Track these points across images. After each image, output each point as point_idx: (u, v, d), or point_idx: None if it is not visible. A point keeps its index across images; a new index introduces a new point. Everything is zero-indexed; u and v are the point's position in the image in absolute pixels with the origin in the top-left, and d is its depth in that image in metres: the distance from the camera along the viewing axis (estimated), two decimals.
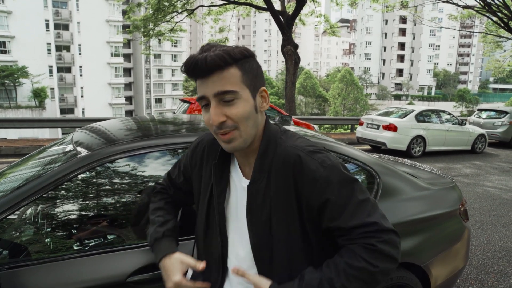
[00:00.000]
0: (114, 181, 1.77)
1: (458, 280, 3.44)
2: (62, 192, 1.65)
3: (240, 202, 1.07)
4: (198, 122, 2.37)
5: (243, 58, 0.95)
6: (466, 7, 17.52)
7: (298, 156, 0.98)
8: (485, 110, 14.90)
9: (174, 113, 5.31)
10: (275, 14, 13.75)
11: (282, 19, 13.81)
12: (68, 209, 1.69)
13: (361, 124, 11.29)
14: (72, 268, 1.51)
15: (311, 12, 17.43)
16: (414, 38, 78.59)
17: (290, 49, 13.65)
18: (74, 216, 1.70)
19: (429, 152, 10.63)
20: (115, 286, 1.52)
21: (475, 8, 17.00)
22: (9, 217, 1.50)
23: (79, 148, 1.83)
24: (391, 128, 10.13)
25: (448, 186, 2.65)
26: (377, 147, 10.76)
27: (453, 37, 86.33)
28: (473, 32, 24.56)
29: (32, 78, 34.00)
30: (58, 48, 43.77)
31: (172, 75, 60.85)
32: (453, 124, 11.14)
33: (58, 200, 1.66)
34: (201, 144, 1.19)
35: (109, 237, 1.71)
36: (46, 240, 1.62)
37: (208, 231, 1.14)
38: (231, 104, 0.94)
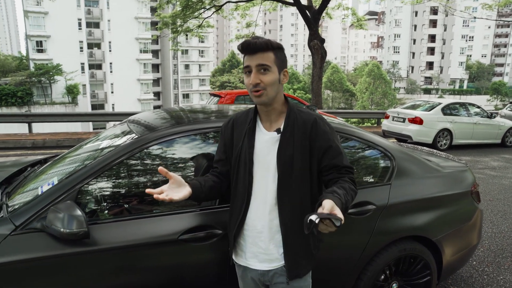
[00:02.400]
0: (168, 157, 2.12)
1: (474, 262, 3.63)
2: (126, 167, 2.01)
3: (267, 150, 1.55)
4: (227, 111, 2.68)
5: (277, 48, 1.50)
6: None
7: (315, 119, 1.56)
8: None
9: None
10: (301, 8, 13.89)
11: (308, 14, 13.93)
12: (133, 180, 2.06)
13: (387, 117, 11.34)
14: (137, 226, 1.88)
15: (338, 6, 17.38)
16: (445, 30, 76.14)
17: (316, 44, 13.76)
18: (138, 185, 2.06)
19: (456, 145, 10.58)
20: (169, 242, 1.87)
21: None
22: (92, 183, 1.88)
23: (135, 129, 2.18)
24: (417, 121, 10.14)
25: (461, 170, 2.86)
26: (403, 141, 10.79)
27: (489, 27, 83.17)
28: (511, 21, 23.56)
29: (66, 75, 35.42)
30: (90, 46, 45.24)
31: (199, 70, 61.68)
32: (482, 117, 11.02)
33: (123, 173, 2.02)
34: (230, 121, 1.71)
35: (164, 203, 2.06)
36: (119, 203, 1.99)
37: (238, 176, 1.61)
38: (265, 73, 1.46)
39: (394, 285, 2.43)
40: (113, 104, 47.16)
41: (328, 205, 1.26)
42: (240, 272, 1.70)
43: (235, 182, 1.63)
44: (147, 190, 1.44)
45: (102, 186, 1.98)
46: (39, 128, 12.22)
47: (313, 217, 1.22)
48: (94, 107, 44.95)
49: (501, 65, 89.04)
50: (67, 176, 1.93)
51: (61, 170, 2.23)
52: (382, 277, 2.38)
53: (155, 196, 1.42)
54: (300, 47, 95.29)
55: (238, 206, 1.61)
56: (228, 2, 16.30)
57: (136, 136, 2.08)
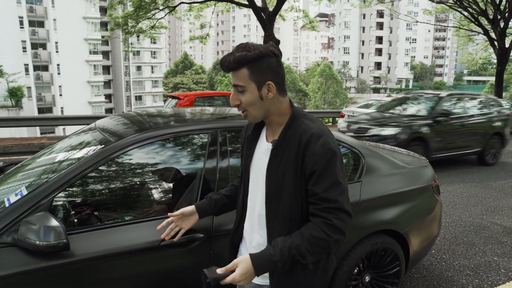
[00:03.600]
0: (143, 163, 2.08)
1: (433, 250, 3.87)
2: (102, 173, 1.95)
3: (261, 161, 1.44)
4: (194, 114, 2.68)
5: (252, 61, 1.30)
6: (440, 2, 18.22)
7: (312, 135, 1.33)
8: None
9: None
10: (256, 10, 14.00)
11: (263, 16, 14.07)
12: (110, 187, 1.99)
13: (342, 116, 11.73)
14: (119, 234, 1.82)
15: (291, 8, 17.74)
16: (391, 32, 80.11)
17: (272, 45, 13.92)
18: (115, 192, 2.00)
19: None
20: (151, 249, 1.84)
21: (448, 3, 17.70)
22: (71, 188, 1.80)
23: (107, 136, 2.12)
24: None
25: (422, 165, 3.04)
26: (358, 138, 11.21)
27: (429, 31, 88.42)
28: (447, 26, 25.32)
29: (8, 77, 33.20)
30: (34, 46, 42.71)
31: (152, 72, 60.32)
32: None
33: (98, 181, 1.95)
34: (244, 128, 1.64)
35: (146, 209, 2.03)
36: (96, 212, 1.92)
37: (241, 184, 1.57)
38: (242, 93, 1.34)
39: (366, 277, 2.53)
40: (62, 107, 44.90)
41: (230, 266, 1.29)
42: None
43: (240, 187, 1.60)
44: (170, 215, 1.69)
45: (77, 194, 1.91)
46: None
47: (207, 273, 1.27)
48: (41, 110, 42.51)
49: (441, 66, 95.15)
50: (38, 185, 1.83)
51: (28, 179, 2.12)
52: (356, 270, 2.48)
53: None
54: None
55: (237, 216, 1.59)
56: (182, 3, 16.10)
57: (110, 142, 2.02)
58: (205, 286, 1.27)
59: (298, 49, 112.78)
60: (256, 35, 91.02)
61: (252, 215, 1.50)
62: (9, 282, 1.61)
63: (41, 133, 30.20)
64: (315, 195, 1.33)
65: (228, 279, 1.27)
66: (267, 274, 1.41)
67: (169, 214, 1.69)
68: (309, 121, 1.39)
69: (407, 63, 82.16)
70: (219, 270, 1.29)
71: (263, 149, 1.45)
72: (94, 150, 1.99)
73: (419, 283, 3.24)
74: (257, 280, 1.45)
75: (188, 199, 2.08)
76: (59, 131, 34.67)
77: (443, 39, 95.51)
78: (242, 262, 1.30)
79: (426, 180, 2.93)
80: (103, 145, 2.01)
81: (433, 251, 3.88)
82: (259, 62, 1.32)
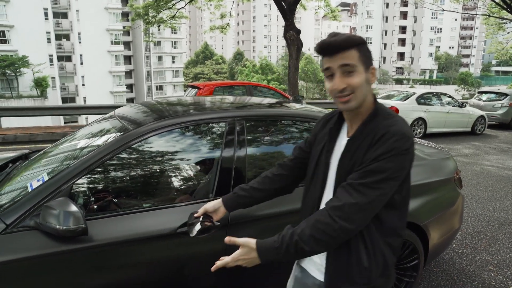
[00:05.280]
0: (163, 151, 2.10)
1: (454, 244, 3.79)
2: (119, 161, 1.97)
3: (338, 157, 1.35)
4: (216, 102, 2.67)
5: (360, 44, 1.26)
6: None
7: (387, 131, 1.22)
8: (486, 92, 15.10)
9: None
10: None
11: (284, 5, 13.90)
12: (128, 174, 2.02)
13: None
14: (136, 220, 1.86)
15: None
16: (415, 21, 77.96)
17: (292, 35, 13.77)
18: (133, 179, 2.03)
19: (430, 133, 10.92)
20: (168, 236, 1.86)
21: None
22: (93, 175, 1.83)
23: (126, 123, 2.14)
24: (393, 110, 10.38)
25: (444, 157, 2.96)
26: None
27: (455, 20, 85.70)
28: (476, 14, 24.46)
29: (33, 67, 34.03)
30: (58, 37, 43.59)
31: (173, 62, 60.73)
32: (453, 106, 11.40)
33: (117, 168, 1.99)
34: (320, 120, 1.55)
35: (163, 196, 2.05)
36: (114, 198, 1.96)
37: (313, 179, 1.45)
38: (350, 75, 1.24)
39: None
40: (84, 97, 45.84)
41: (237, 240, 1.31)
42: (297, 272, 1.54)
43: (308, 184, 1.49)
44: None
45: (96, 181, 1.94)
46: (7, 123, 11.71)
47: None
48: (64, 100, 43.52)
49: (467, 56, 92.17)
50: (59, 171, 1.87)
51: (49, 166, 2.17)
52: None
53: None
54: (274, 38, 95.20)
55: (309, 210, 1.43)
56: None
57: (128, 130, 2.04)
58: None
59: (319, 39, 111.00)
60: (277, 25, 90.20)
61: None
62: (32, 263, 1.66)
63: (65, 122, 30.97)
64: (347, 180, 1.25)
65: (227, 259, 1.29)
66: (324, 269, 1.35)
67: (194, 215, 1.65)
68: (391, 120, 1.27)
69: (431, 54, 79.93)
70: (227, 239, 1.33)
71: (342, 144, 1.36)
72: (113, 138, 2.01)
73: (438, 277, 3.18)
74: (322, 276, 1.38)
75: (205, 188, 2.09)
76: (82, 120, 35.45)
77: (471, 28, 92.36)
78: (246, 244, 1.29)
79: (447, 172, 2.85)
80: (122, 133, 2.03)
81: (454, 245, 3.80)
82: (364, 46, 1.29)
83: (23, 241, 1.67)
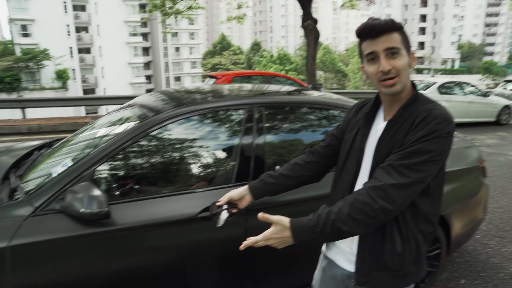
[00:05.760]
0: (183, 137, 2.12)
1: (477, 235, 3.71)
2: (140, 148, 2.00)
3: (374, 141, 1.34)
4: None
5: (400, 28, 1.26)
6: None
7: (429, 114, 1.21)
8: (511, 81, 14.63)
9: None
10: None
11: None
12: (149, 160, 2.06)
13: None
14: (156, 205, 1.89)
15: None
16: (436, 9, 75.79)
17: (310, 24, 13.58)
18: (154, 165, 2.08)
19: None
20: (189, 220, 1.89)
21: None
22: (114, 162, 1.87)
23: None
24: None
25: (466, 146, 2.89)
26: None
27: (480, 7, 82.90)
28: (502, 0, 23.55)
29: (54, 60, 34.74)
30: (77, 30, 44.22)
31: (190, 53, 60.92)
32: (476, 95, 11.09)
33: (138, 154, 2.02)
34: (353, 107, 1.54)
35: (183, 182, 2.09)
36: (136, 183, 2.00)
37: (345, 164, 1.43)
38: (395, 57, 1.24)
39: None
40: (104, 89, 46.47)
41: (270, 218, 1.28)
42: (324, 264, 1.52)
43: (340, 169, 1.47)
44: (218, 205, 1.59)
45: (117, 167, 1.97)
46: (31, 113, 12.02)
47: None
48: (85, 91, 44.28)
49: (492, 44, 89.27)
50: (81, 158, 1.91)
51: (72, 153, 2.21)
52: None
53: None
54: (291, 29, 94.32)
55: (340, 195, 1.40)
56: None
57: (147, 117, 2.06)
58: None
59: (338, 29, 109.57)
60: (294, 15, 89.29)
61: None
62: (57, 245, 1.71)
63: (86, 113, 31.53)
64: (386, 161, 1.23)
65: (258, 237, 1.26)
66: (354, 258, 1.34)
67: (217, 204, 1.61)
68: (432, 105, 1.27)
69: (453, 42, 77.71)
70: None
71: (378, 129, 1.34)
72: (132, 125, 2.03)
73: (461, 268, 3.13)
74: (351, 267, 1.37)
75: (224, 174, 2.09)
76: (102, 111, 36.07)
77: (496, 15, 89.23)
78: (280, 222, 1.25)
79: (470, 161, 2.78)
80: (141, 120, 2.05)
81: (478, 236, 3.72)
82: (404, 31, 1.29)
83: (49, 223, 1.72)
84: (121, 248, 1.81)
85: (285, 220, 1.25)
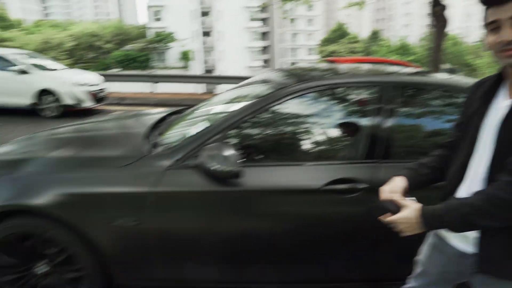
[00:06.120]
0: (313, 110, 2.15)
1: None
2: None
3: (496, 120, 1.23)
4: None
5: None
6: None
7: None
8: None
9: None
10: None
11: None
12: (279, 128, 2.14)
13: None
14: (281, 172, 1.95)
15: None
16: None
17: (438, 10, 12.41)
18: (284, 133, 2.15)
19: None
20: (312, 191, 1.90)
21: None
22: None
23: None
24: None
25: None
26: None
27: None
28: None
29: (179, 42, 38.15)
30: (201, 14, 47.41)
31: (307, 39, 60.77)
32: None
33: (271, 121, 2.10)
34: (471, 87, 1.45)
35: (309, 154, 2.12)
36: (266, 149, 2.11)
37: (462, 143, 1.36)
38: None
39: None
40: (222, 71, 49.14)
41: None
42: (434, 240, 1.47)
43: (457, 149, 1.40)
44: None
45: (250, 131, 2.07)
46: (157, 88, 13.29)
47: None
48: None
49: None
50: (215, 121, 2.03)
51: (207, 116, 2.39)
52: None
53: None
54: (414, 17, 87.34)
55: (451, 176, 1.36)
56: None
57: (280, 87, 2.09)
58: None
59: (469, 17, 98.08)
60: (417, 2, 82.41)
61: (473, 179, 1.29)
62: (188, 197, 1.89)
63: (206, 91, 33.92)
64: None
65: (392, 217, 1.25)
66: (470, 240, 1.27)
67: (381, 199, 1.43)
68: None
69: None
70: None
71: (500, 107, 1.24)
72: (261, 97, 2.09)
73: None
74: (463, 246, 1.32)
75: (352, 151, 2.04)
76: (218, 91, 38.37)
77: None
78: (410, 207, 1.24)
79: None
80: (267, 93, 2.09)
81: None
82: None
83: (184, 177, 1.89)
84: (245, 209, 1.91)
85: (417, 205, 1.24)
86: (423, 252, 1.53)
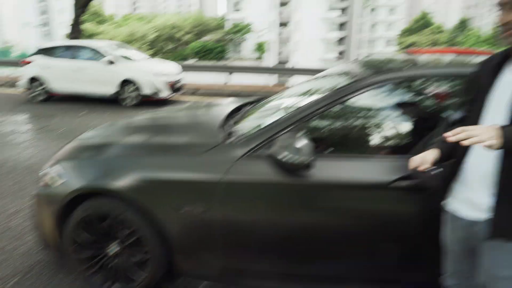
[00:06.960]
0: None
1: None
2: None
3: (504, 94, 1.28)
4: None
5: None
6: None
7: None
8: None
9: None
10: None
11: None
12: (351, 120, 2.06)
13: None
14: (351, 166, 1.85)
15: None
16: None
17: None
18: (356, 126, 2.06)
19: None
20: (381, 186, 1.76)
21: None
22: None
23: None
24: None
25: None
26: None
27: None
28: None
29: (256, 33, 38.61)
30: (279, 5, 47.31)
31: (387, 30, 57.91)
32: None
33: (344, 113, 2.01)
34: (478, 64, 1.48)
35: (380, 148, 2.02)
36: (337, 142, 2.05)
37: (470, 114, 1.40)
38: None
39: None
40: (295, 62, 48.89)
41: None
42: (446, 217, 1.52)
43: (466, 121, 1.40)
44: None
45: (323, 124, 2.01)
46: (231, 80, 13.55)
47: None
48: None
49: None
50: (289, 112, 1.98)
51: (282, 107, 2.35)
52: None
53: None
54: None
55: (460, 148, 1.38)
56: None
57: (359, 79, 1.96)
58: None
59: None
60: None
61: (480, 151, 1.31)
62: (258, 187, 1.88)
63: (278, 83, 34.06)
64: None
65: (466, 133, 1.13)
66: (484, 208, 1.30)
67: (410, 168, 1.51)
68: None
69: None
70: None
71: (507, 81, 1.29)
72: (335, 89, 1.99)
73: None
74: (471, 215, 1.37)
75: (428, 145, 1.85)
76: (288, 84, 38.29)
77: None
78: (489, 126, 1.16)
79: None
80: (343, 85, 1.99)
81: None
82: None
83: (256, 166, 1.87)
84: (313, 202, 1.85)
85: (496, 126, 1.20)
86: (444, 233, 1.55)
